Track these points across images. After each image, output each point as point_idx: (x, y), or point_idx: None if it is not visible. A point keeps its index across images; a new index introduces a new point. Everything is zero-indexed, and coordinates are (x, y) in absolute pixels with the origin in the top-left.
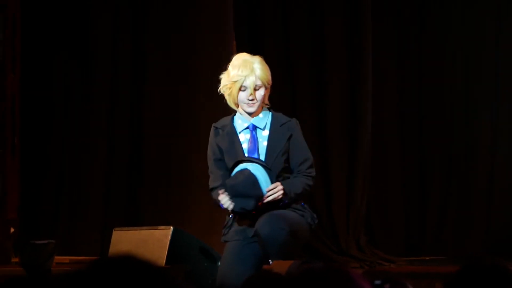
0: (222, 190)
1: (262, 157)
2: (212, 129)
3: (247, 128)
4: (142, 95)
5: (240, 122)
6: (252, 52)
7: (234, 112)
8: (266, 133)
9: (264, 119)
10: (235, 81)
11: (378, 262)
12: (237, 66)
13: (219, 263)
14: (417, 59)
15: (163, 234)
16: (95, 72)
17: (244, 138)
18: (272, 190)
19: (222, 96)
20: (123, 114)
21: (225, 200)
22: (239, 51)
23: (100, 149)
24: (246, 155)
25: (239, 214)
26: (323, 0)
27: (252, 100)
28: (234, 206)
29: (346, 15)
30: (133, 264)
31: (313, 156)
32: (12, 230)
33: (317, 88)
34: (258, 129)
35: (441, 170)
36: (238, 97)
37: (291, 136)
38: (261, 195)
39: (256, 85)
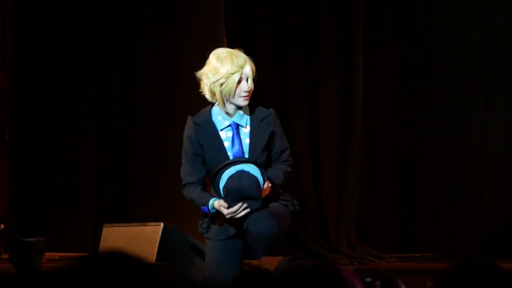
0: (226, 205)
1: (246, 155)
2: (191, 123)
3: (228, 125)
4: (134, 93)
5: (221, 118)
6: (245, 49)
7: (211, 105)
8: (247, 129)
9: (244, 115)
10: (233, 73)
11: (368, 259)
12: (228, 59)
13: (205, 261)
14: (409, 57)
15: (154, 231)
16: (87, 68)
17: (225, 135)
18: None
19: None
20: (115, 111)
21: (233, 211)
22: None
23: (91, 146)
24: (229, 153)
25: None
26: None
27: (249, 91)
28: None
29: (338, 11)
30: (123, 260)
31: (304, 154)
32: (2, 226)
33: (308, 86)
34: (239, 126)
35: (433, 167)
36: (236, 90)
37: (272, 132)
38: (251, 175)
39: (250, 76)
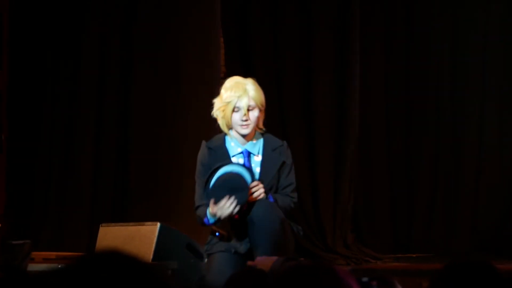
0: (212, 200)
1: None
2: (205, 148)
3: (240, 153)
4: (130, 93)
5: (233, 145)
6: (240, 51)
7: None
8: (258, 158)
9: (257, 144)
10: (228, 102)
11: (365, 260)
12: (229, 88)
13: (206, 276)
14: (405, 58)
15: (150, 230)
16: (83, 68)
17: (237, 162)
18: (255, 187)
19: (210, 100)
20: (111, 111)
21: (221, 205)
22: (226, 49)
23: (87, 146)
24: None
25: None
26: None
27: (245, 121)
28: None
29: (334, 13)
30: (119, 260)
31: (300, 154)
32: None
33: (304, 86)
34: (251, 154)
35: (428, 168)
36: (232, 119)
37: (283, 163)
38: (248, 186)
39: (249, 106)
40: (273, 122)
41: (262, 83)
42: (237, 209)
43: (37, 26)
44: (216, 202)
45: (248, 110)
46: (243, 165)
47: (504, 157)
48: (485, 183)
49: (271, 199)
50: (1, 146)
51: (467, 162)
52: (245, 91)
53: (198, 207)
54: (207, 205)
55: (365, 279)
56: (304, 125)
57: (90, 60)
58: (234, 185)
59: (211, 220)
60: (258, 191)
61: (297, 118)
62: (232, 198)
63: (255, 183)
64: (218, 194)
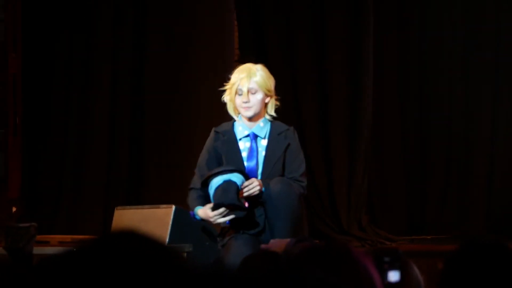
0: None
1: (260, 166)
2: (213, 133)
3: (247, 136)
4: (144, 77)
5: (241, 129)
6: (254, 35)
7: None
8: (265, 142)
9: (264, 128)
10: (232, 84)
11: (379, 241)
12: (236, 72)
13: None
14: (418, 44)
15: (165, 213)
16: (97, 51)
17: (243, 146)
18: (248, 187)
19: (223, 84)
20: (125, 92)
21: (218, 213)
22: (240, 32)
23: (102, 128)
24: (245, 163)
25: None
26: None
27: (246, 103)
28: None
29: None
30: (135, 240)
31: (314, 138)
32: (14, 209)
33: (319, 71)
34: (258, 137)
35: (443, 150)
36: (236, 101)
37: (288, 145)
38: (237, 186)
39: (250, 88)
40: (287, 106)
41: (276, 66)
42: (230, 217)
43: (50, 7)
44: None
45: (250, 93)
46: (242, 171)
47: None
48: (499, 164)
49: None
50: (16, 130)
51: (481, 144)
52: (249, 74)
53: (191, 188)
54: (198, 190)
55: (387, 259)
56: (319, 106)
57: (103, 43)
58: (234, 205)
59: (197, 218)
60: (253, 189)
61: (311, 102)
62: (227, 212)
63: (248, 182)
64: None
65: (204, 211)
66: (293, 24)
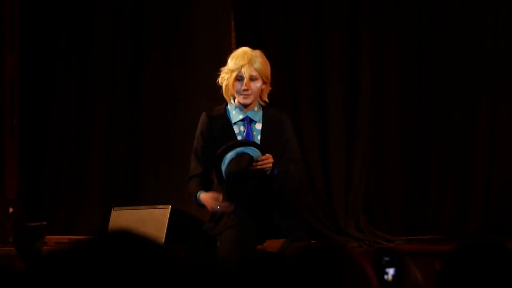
0: (217, 196)
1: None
2: (205, 117)
3: (241, 120)
4: (142, 77)
5: (235, 113)
6: (251, 37)
7: (227, 101)
8: (259, 126)
9: (258, 112)
10: (232, 70)
11: (377, 242)
12: (235, 57)
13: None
14: (416, 42)
15: (162, 213)
16: (94, 51)
17: (238, 130)
18: (263, 161)
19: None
20: (123, 92)
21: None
22: (238, 38)
23: (99, 129)
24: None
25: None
26: None
27: (246, 90)
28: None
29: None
30: (130, 239)
31: (312, 137)
32: (11, 210)
33: (316, 70)
34: (253, 122)
35: (441, 150)
36: (234, 87)
37: (283, 130)
38: (250, 157)
39: (252, 75)
40: (284, 104)
41: (273, 65)
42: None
43: (48, 7)
44: (228, 192)
45: (250, 79)
46: (257, 144)
47: None
48: (498, 163)
49: (276, 173)
50: (13, 131)
51: (479, 144)
52: (250, 61)
53: (189, 178)
54: (200, 176)
55: (386, 258)
56: (316, 104)
57: (102, 43)
58: (249, 174)
59: (199, 203)
60: (267, 164)
61: (309, 100)
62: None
63: (264, 156)
64: (232, 181)
65: (206, 196)
66: (290, 23)
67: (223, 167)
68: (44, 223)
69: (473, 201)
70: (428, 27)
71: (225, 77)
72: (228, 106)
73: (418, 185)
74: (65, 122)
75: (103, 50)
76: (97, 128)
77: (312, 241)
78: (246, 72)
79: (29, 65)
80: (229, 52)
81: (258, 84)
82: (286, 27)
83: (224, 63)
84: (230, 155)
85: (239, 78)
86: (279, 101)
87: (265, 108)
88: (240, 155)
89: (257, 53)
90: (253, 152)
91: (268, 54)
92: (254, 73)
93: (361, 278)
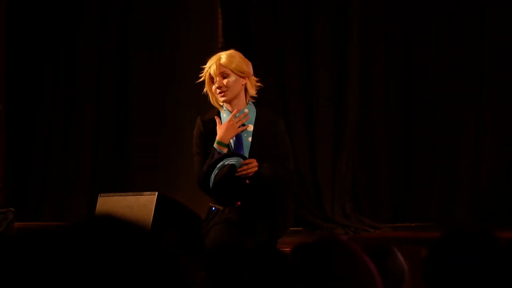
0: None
1: (247, 152)
2: (199, 122)
3: None
4: (129, 64)
5: (225, 116)
6: (240, 38)
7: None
8: (251, 128)
9: (250, 114)
10: (205, 74)
11: (363, 229)
12: (208, 61)
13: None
14: (404, 36)
15: (149, 200)
16: (82, 42)
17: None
18: (248, 166)
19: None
20: (111, 82)
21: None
22: (226, 36)
23: (88, 117)
24: (232, 148)
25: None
26: None
27: (219, 87)
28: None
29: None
30: (114, 224)
31: (298, 125)
32: None
33: (304, 59)
34: (243, 124)
35: (427, 137)
36: (213, 91)
37: (275, 133)
38: (233, 165)
39: (221, 72)
40: (272, 94)
41: (260, 54)
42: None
43: (36, 7)
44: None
45: (223, 77)
46: (242, 156)
47: (503, 127)
48: (484, 151)
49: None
50: None
51: (466, 131)
52: (217, 60)
53: (200, 175)
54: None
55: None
56: (303, 93)
57: (89, 34)
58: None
59: (222, 147)
60: (250, 168)
61: (296, 89)
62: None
63: (248, 160)
64: (219, 192)
65: (221, 129)
66: (278, 12)
67: (211, 183)
68: (12, 209)
69: (460, 189)
70: (416, 30)
71: (205, 85)
72: (220, 111)
73: (405, 173)
74: (53, 110)
75: (91, 39)
76: (85, 115)
77: (311, 235)
78: (213, 70)
79: (15, 53)
80: (216, 40)
81: (231, 79)
82: (274, 25)
83: (210, 52)
84: (214, 172)
85: (213, 80)
86: (265, 91)
87: (258, 110)
88: (221, 168)
89: (228, 51)
90: (237, 160)
91: (256, 52)
92: (223, 69)
93: (362, 271)
